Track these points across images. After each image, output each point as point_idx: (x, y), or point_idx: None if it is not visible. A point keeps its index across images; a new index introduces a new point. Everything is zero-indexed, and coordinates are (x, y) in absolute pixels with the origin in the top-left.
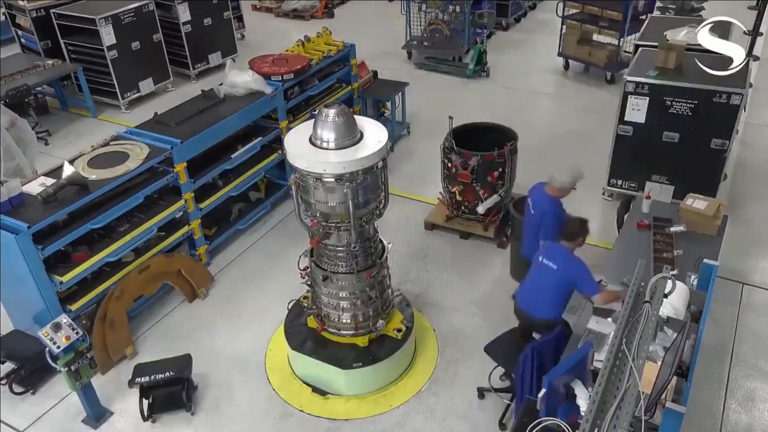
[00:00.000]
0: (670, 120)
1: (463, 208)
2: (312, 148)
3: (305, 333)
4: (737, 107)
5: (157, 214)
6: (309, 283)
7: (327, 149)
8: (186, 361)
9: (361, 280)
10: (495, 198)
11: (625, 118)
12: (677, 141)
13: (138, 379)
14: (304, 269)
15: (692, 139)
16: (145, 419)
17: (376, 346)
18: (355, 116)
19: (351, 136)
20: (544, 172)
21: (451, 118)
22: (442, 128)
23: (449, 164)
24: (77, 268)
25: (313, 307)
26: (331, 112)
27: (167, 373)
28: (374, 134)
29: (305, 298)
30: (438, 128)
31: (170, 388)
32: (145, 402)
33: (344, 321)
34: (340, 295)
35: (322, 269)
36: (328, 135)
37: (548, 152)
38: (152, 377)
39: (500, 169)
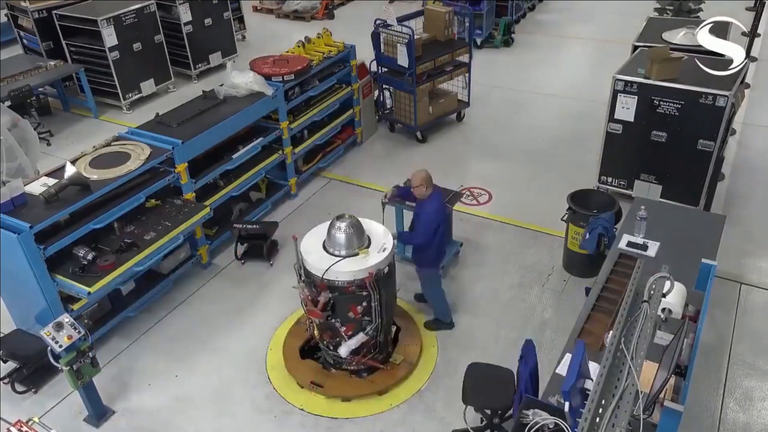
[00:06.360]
0: (658, 119)
1: (325, 344)
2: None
3: None
4: (723, 109)
5: None
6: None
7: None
8: (274, 226)
9: None
10: (361, 337)
11: (615, 116)
12: (665, 140)
13: (236, 225)
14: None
15: (679, 139)
16: (238, 259)
17: None
18: (361, 220)
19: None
20: (545, 172)
21: (295, 238)
22: (445, 128)
23: (301, 293)
24: (106, 277)
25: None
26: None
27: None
28: (379, 241)
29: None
30: (440, 128)
31: (257, 241)
32: (240, 247)
33: None
34: None
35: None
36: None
37: (548, 152)
38: (246, 226)
39: (364, 303)
